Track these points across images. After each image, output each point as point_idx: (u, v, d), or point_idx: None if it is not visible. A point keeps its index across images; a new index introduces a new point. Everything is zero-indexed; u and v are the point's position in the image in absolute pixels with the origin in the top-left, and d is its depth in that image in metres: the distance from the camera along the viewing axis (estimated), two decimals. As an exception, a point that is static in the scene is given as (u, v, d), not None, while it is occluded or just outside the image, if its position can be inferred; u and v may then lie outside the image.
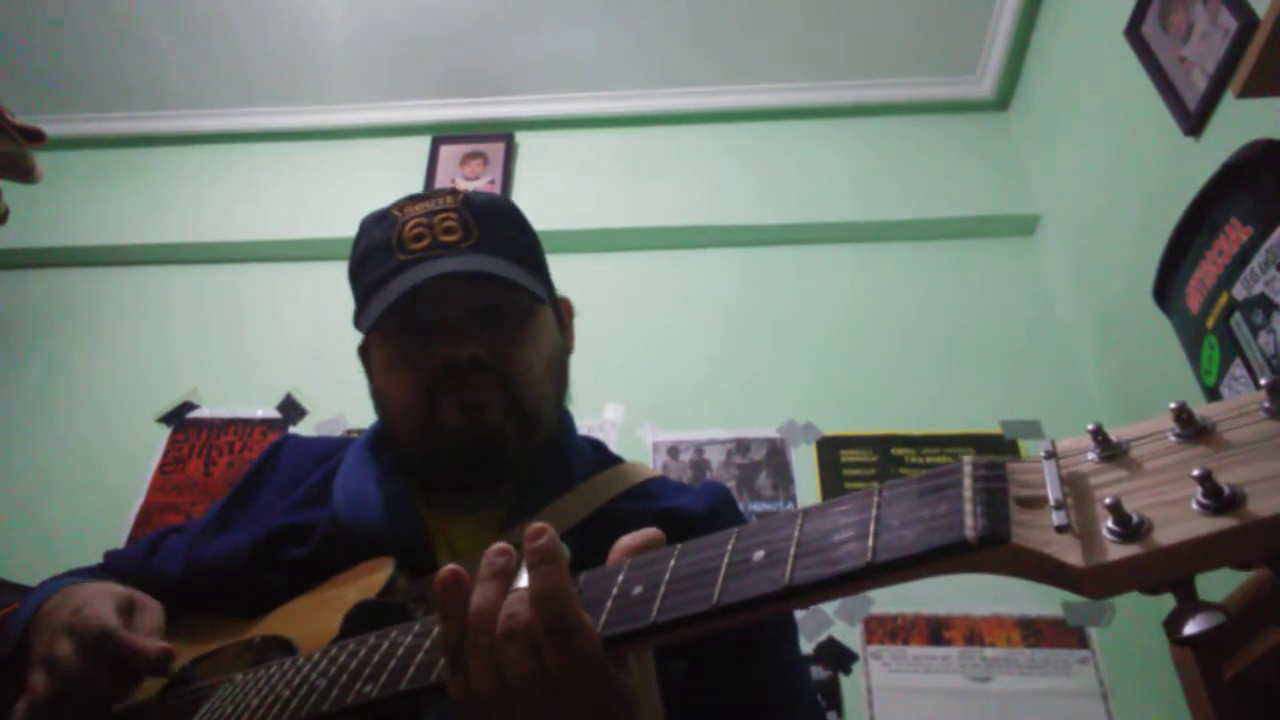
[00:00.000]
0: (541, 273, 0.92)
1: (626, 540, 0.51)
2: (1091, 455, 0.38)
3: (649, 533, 0.51)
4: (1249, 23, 1.51)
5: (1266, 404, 0.34)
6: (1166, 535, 0.32)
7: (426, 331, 0.83)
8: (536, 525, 0.47)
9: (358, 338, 0.95)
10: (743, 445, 2.13)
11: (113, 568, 0.90)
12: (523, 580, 0.47)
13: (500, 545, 0.50)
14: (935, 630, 1.84)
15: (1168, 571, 0.32)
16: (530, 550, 0.46)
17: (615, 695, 0.45)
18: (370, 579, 0.73)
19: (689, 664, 0.70)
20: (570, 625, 0.44)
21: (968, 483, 0.39)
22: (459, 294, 0.83)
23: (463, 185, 2.56)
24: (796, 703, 0.79)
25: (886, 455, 2.08)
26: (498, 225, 0.88)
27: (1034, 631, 1.82)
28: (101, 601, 0.68)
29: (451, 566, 0.48)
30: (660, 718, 0.51)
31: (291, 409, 2.28)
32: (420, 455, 0.84)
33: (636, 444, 2.14)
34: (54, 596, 0.76)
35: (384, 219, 0.88)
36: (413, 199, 0.89)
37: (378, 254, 0.86)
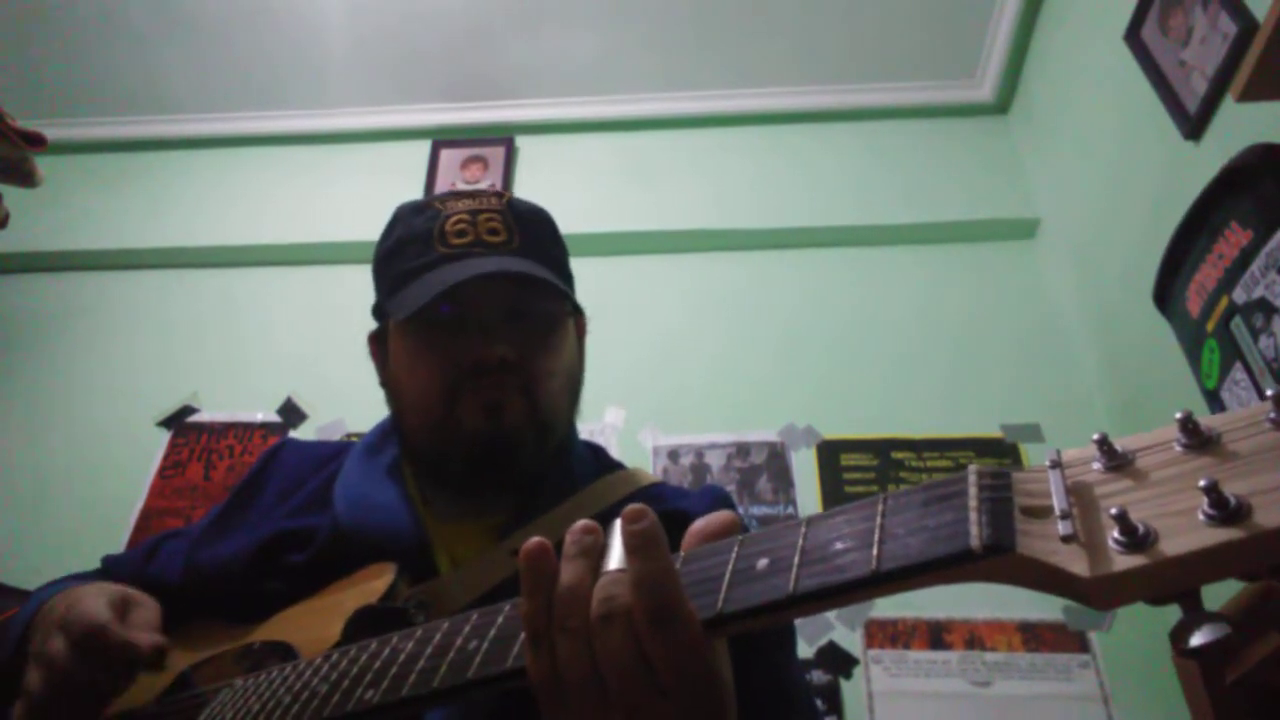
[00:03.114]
0: (570, 286, 0.93)
1: (701, 524, 0.48)
2: (1097, 465, 0.37)
3: (727, 516, 0.49)
4: (1248, 27, 1.52)
5: (1272, 415, 0.33)
6: (1172, 546, 0.32)
7: (457, 328, 0.82)
8: (636, 507, 0.44)
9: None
10: (743, 449, 2.13)
11: (111, 573, 0.90)
12: (612, 562, 0.45)
13: (586, 523, 0.47)
14: (936, 634, 1.84)
15: (1174, 582, 0.32)
16: (632, 533, 0.43)
17: (715, 684, 0.43)
18: (371, 585, 0.73)
19: None
20: (676, 613, 0.42)
21: (973, 491, 0.39)
22: (495, 295, 0.82)
23: (463, 189, 2.56)
24: (793, 707, 0.78)
25: (887, 459, 2.08)
26: (538, 233, 0.88)
27: (1035, 635, 1.82)
28: (94, 598, 0.68)
29: (538, 539, 0.46)
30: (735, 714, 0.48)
31: (291, 413, 2.28)
32: (432, 451, 0.83)
33: (637, 447, 2.14)
34: (52, 599, 0.76)
35: (424, 210, 0.88)
36: (456, 195, 0.89)
37: (416, 243, 0.85)
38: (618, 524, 0.46)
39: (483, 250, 0.83)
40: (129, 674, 0.67)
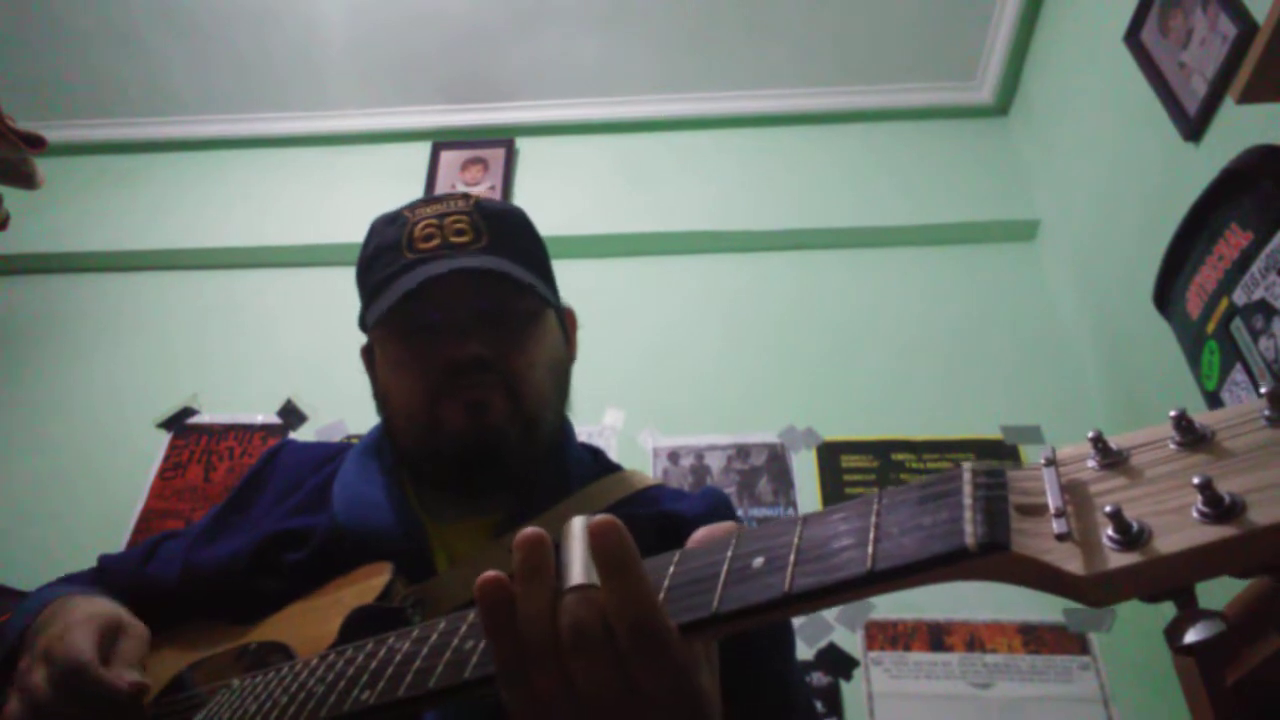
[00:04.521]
0: (548, 280, 0.93)
1: (704, 533, 0.48)
2: (1091, 463, 0.37)
3: (729, 526, 0.47)
4: (1248, 28, 1.52)
5: (1267, 412, 0.33)
6: (1167, 544, 0.32)
7: (432, 332, 0.83)
8: (604, 518, 0.42)
9: (358, 342, 0.96)
10: (743, 451, 2.13)
11: (109, 572, 0.90)
12: (574, 577, 0.43)
13: (531, 535, 0.43)
14: (936, 636, 1.83)
15: (1168, 580, 0.32)
16: (602, 549, 0.41)
17: (702, 698, 0.42)
18: (368, 584, 0.73)
19: None
20: (659, 631, 0.40)
21: (968, 490, 0.38)
22: (465, 295, 0.83)
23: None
24: (792, 708, 0.78)
25: (887, 460, 2.08)
26: (508, 231, 0.89)
27: (1035, 637, 1.81)
28: (83, 630, 0.67)
29: (492, 574, 0.43)
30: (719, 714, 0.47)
31: (291, 414, 2.28)
32: (421, 455, 0.84)
33: (636, 449, 2.14)
34: (48, 608, 0.76)
35: (395, 219, 0.89)
36: (426, 201, 0.90)
37: (387, 253, 0.86)
38: (575, 529, 0.44)
39: (449, 252, 0.84)
40: (108, 712, 0.66)
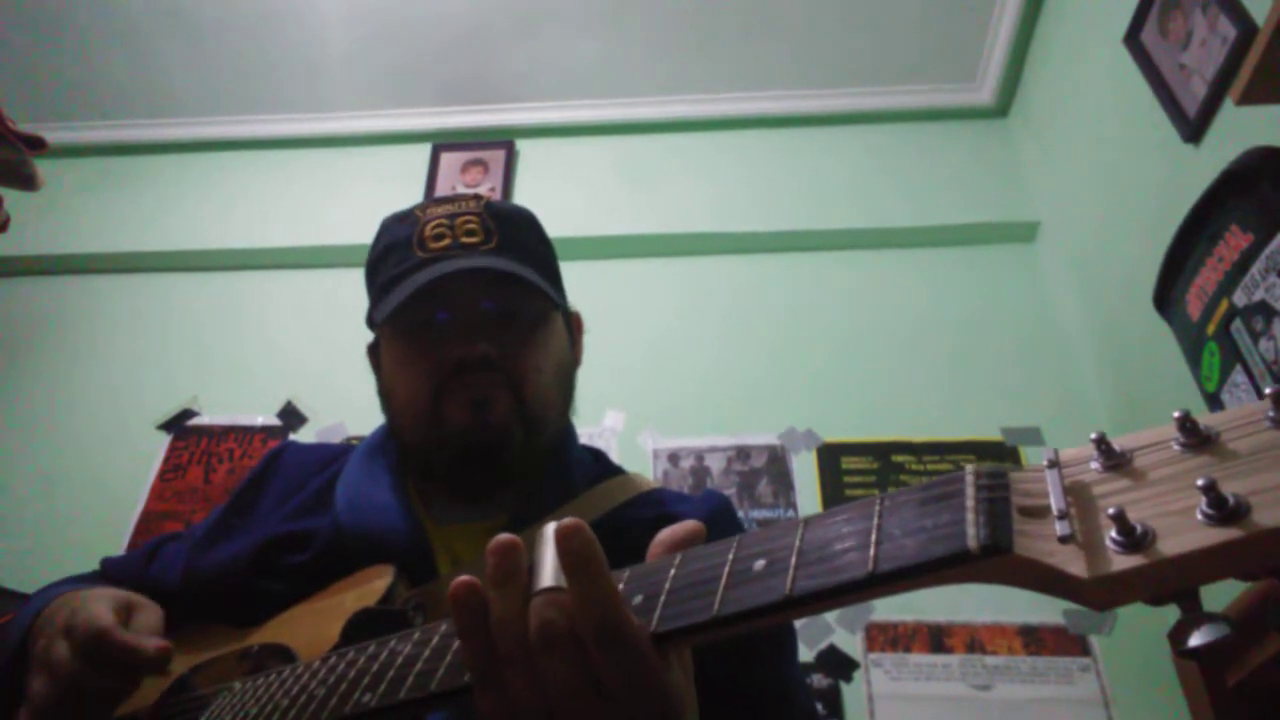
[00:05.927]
0: (556, 283, 0.93)
1: (667, 534, 0.48)
2: (1094, 464, 0.37)
3: (691, 525, 0.48)
4: (1248, 30, 1.52)
5: (1271, 413, 0.33)
6: (1170, 546, 0.31)
7: (440, 330, 0.83)
8: (570, 522, 0.42)
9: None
10: (743, 452, 2.13)
11: (110, 575, 0.90)
12: (544, 580, 0.44)
13: (504, 541, 0.45)
14: (937, 638, 1.83)
15: (1172, 583, 0.32)
16: (567, 552, 0.42)
17: (671, 696, 0.43)
18: (370, 586, 0.73)
19: None
20: (622, 631, 0.41)
21: (970, 492, 0.38)
22: (474, 295, 0.83)
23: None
24: (793, 710, 0.78)
25: (887, 462, 2.08)
26: (518, 232, 0.89)
27: (1035, 639, 1.81)
28: (98, 603, 0.68)
29: (465, 578, 0.44)
30: (697, 716, 0.47)
31: (292, 416, 2.28)
32: (424, 453, 0.84)
33: (637, 451, 2.14)
34: (52, 602, 0.76)
35: (406, 218, 0.89)
36: (437, 201, 0.90)
37: (397, 251, 0.87)
38: (547, 534, 0.45)
39: (459, 251, 0.84)
40: (134, 679, 0.66)
